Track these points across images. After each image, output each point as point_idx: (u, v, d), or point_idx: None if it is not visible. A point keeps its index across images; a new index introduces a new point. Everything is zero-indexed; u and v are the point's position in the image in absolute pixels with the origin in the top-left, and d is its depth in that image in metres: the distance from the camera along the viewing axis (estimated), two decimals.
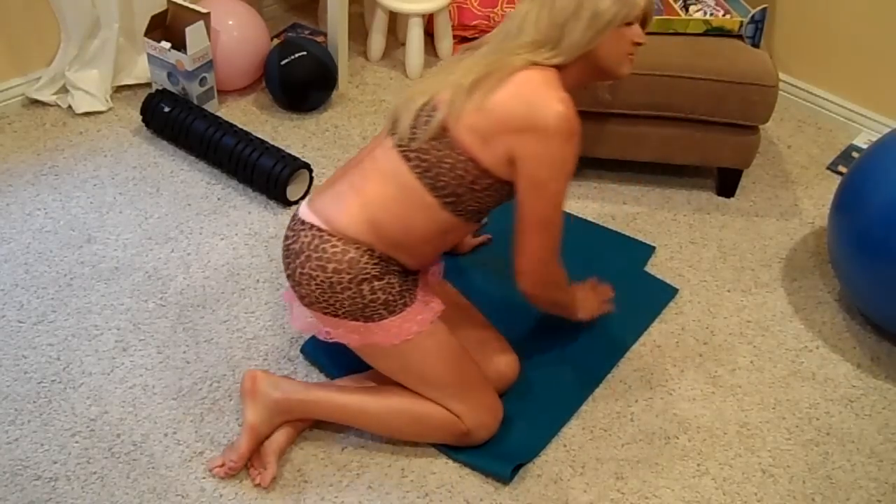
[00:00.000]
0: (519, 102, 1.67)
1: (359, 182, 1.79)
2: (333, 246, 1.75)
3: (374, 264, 1.76)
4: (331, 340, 1.85)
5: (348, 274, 1.74)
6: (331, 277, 1.75)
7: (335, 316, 1.79)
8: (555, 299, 1.93)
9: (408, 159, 1.74)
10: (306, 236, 1.79)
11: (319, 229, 1.77)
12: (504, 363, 1.98)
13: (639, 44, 1.77)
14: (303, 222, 1.81)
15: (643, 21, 1.78)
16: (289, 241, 1.83)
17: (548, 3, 1.71)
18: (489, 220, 2.49)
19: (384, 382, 1.90)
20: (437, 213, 1.76)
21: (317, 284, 1.77)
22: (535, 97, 1.67)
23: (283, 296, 2.21)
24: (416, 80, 3.09)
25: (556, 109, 1.65)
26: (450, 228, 1.80)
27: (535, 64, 1.71)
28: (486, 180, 1.73)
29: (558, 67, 1.73)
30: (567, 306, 2.01)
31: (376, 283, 1.75)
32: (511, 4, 3.19)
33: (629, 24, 1.73)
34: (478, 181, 1.73)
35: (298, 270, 1.79)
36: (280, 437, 1.88)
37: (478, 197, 1.76)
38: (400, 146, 1.76)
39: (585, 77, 1.79)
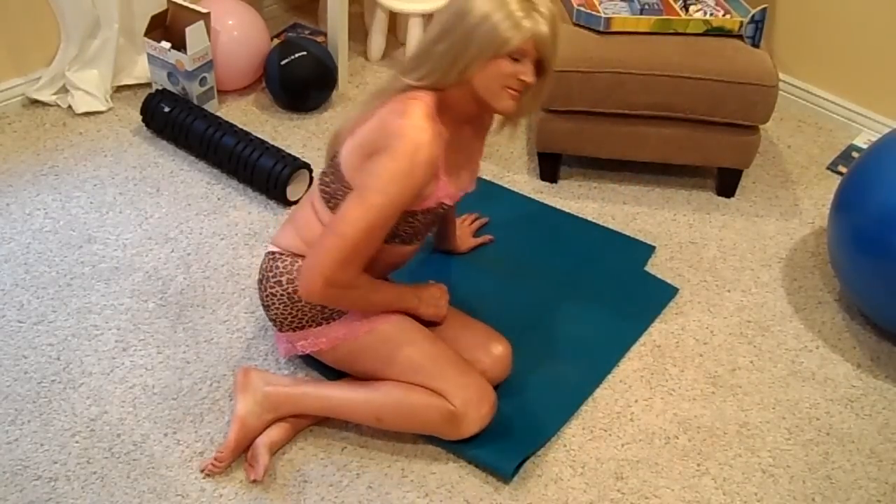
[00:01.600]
0: (378, 129, 1.71)
1: (296, 209, 1.95)
2: (283, 261, 1.88)
3: None
4: (306, 353, 1.93)
5: None
6: (286, 289, 1.86)
7: (301, 328, 1.90)
8: (338, 301, 1.80)
9: (319, 187, 1.87)
10: (263, 263, 1.93)
11: (271, 252, 1.92)
12: (495, 348, 1.97)
13: (523, 82, 1.68)
14: (265, 253, 1.96)
15: (539, 60, 1.68)
16: (258, 277, 1.96)
17: (428, 24, 1.70)
18: (490, 220, 2.50)
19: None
20: None
21: (279, 300, 1.88)
22: (391, 124, 1.68)
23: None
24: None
25: (403, 132, 1.65)
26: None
27: (411, 87, 1.71)
28: None
29: (439, 91, 1.71)
30: (374, 305, 1.86)
31: None
32: None
33: (515, 59, 1.66)
34: None
35: (263, 295, 1.92)
36: (274, 432, 1.89)
37: None
38: (321, 173, 1.88)
39: (468, 105, 1.75)
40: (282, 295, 1.87)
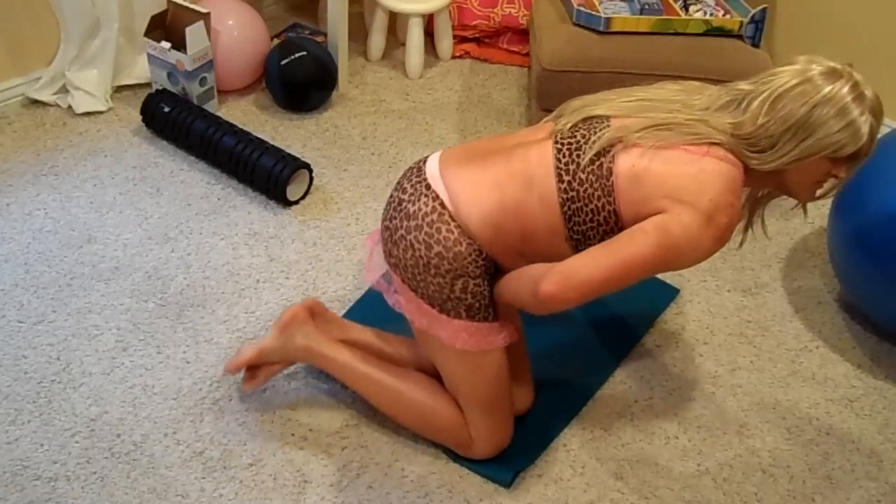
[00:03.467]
0: (695, 182, 1.59)
1: (501, 176, 1.71)
2: (449, 230, 1.70)
3: (477, 266, 1.71)
4: (398, 311, 1.82)
5: (449, 264, 1.70)
6: (431, 259, 1.70)
7: (413, 291, 1.76)
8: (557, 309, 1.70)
9: (560, 179, 1.66)
10: (427, 205, 1.72)
11: (443, 205, 1.71)
12: (519, 396, 1.96)
13: (836, 177, 1.64)
14: (428, 186, 1.73)
15: (851, 158, 1.62)
16: (405, 196, 1.75)
17: (773, 99, 1.59)
18: None
19: (411, 359, 1.95)
20: (559, 242, 1.70)
21: (413, 255, 1.72)
22: (713, 189, 1.58)
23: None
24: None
25: (731, 213, 1.60)
26: (557, 258, 1.67)
27: (725, 147, 1.61)
28: None
29: (741, 163, 1.64)
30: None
31: (471, 282, 1.72)
32: (511, 4, 3.18)
33: (836, 158, 1.61)
34: (609, 235, 1.65)
35: (401, 232, 1.73)
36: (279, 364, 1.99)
37: None
38: (559, 162, 1.67)
39: (765, 185, 1.73)
40: (421, 257, 1.71)
